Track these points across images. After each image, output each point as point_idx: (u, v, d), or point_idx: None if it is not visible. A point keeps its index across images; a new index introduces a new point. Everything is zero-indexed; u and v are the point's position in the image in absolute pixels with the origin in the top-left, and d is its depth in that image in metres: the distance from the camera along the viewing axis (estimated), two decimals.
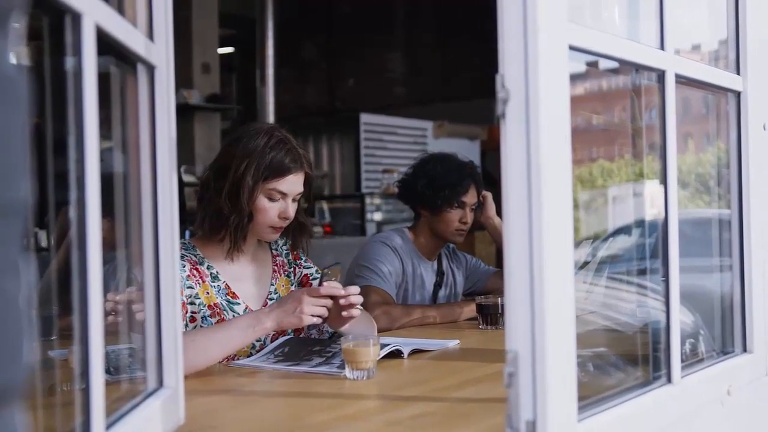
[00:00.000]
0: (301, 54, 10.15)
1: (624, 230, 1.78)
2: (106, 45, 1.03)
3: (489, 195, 2.96)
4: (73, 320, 0.94)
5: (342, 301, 1.94)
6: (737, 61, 1.70)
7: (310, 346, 2.03)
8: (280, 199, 2.07)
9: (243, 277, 2.15)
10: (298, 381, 1.79)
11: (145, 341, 1.28)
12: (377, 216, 7.53)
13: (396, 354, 1.98)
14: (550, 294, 1.06)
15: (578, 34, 1.16)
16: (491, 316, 2.52)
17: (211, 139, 7.16)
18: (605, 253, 1.79)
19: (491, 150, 8.22)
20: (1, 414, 0.55)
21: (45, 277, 1.35)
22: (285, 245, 2.27)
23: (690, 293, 1.53)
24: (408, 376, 1.89)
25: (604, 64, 1.40)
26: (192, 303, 2.01)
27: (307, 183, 2.12)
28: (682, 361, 1.43)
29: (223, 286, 2.09)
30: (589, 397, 1.22)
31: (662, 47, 1.42)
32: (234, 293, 2.10)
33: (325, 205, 7.60)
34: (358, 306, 2.00)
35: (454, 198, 2.82)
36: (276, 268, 2.23)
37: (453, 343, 2.22)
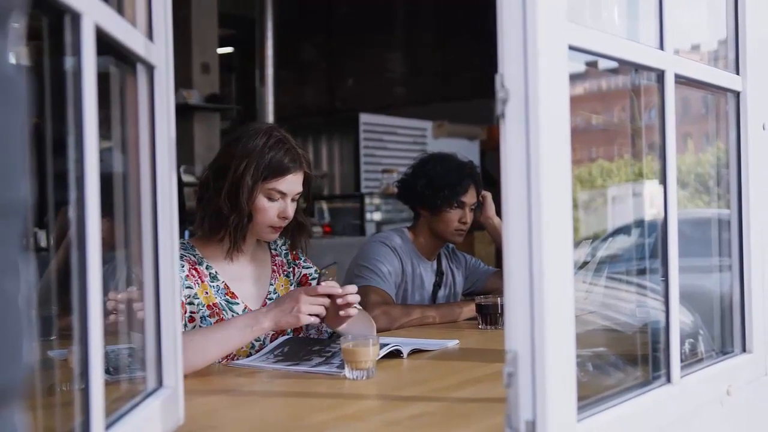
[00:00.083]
0: (301, 54, 10.15)
1: (623, 230, 1.78)
2: (106, 45, 1.03)
3: (488, 195, 2.96)
4: (72, 320, 0.94)
5: (339, 301, 1.94)
6: (737, 61, 1.70)
7: (309, 345, 2.03)
8: (280, 199, 2.07)
9: (242, 277, 2.15)
10: (297, 381, 1.79)
11: (144, 341, 1.29)
12: (377, 216, 7.52)
13: (395, 354, 1.98)
14: (549, 294, 1.06)
15: (578, 34, 1.17)
16: (491, 316, 2.52)
17: (210, 139, 7.16)
18: (605, 253, 1.79)
19: (491, 150, 8.22)
20: (0, 414, 0.55)
21: (44, 277, 1.35)
22: (284, 245, 2.27)
23: (689, 293, 1.53)
24: (407, 376, 1.89)
25: (604, 63, 1.41)
26: (191, 303, 2.01)
27: (306, 182, 2.12)
28: (682, 361, 1.43)
29: (222, 286, 2.09)
30: (589, 397, 1.22)
31: (662, 47, 1.42)
32: (233, 293, 2.10)
33: (324, 205, 7.59)
34: (357, 305, 2.00)
35: (453, 198, 2.82)
36: (275, 268, 2.23)
37: (452, 343, 2.22)
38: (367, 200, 7.53)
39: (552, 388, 1.06)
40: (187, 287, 2.01)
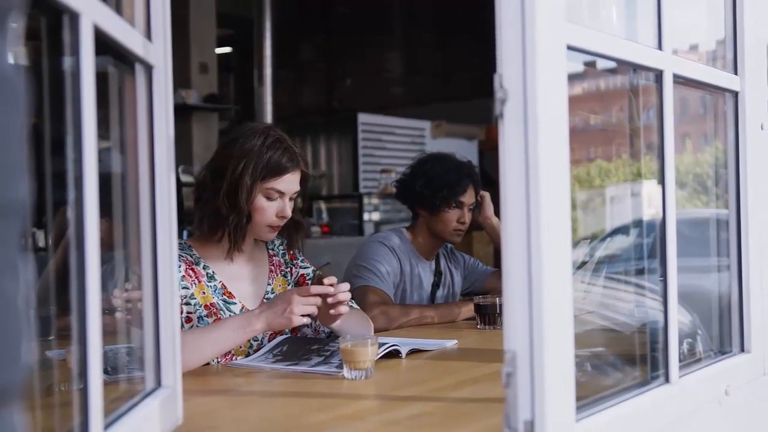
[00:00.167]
0: (299, 54, 10.15)
1: (622, 230, 1.78)
2: (104, 45, 1.03)
3: (487, 195, 2.96)
4: (71, 320, 0.93)
5: (330, 299, 1.95)
6: (735, 61, 1.70)
7: (308, 345, 2.03)
8: (278, 198, 2.08)
9: (240, 276, 2.15)
10: (296, 381, 1.79)
11: (143, 341, 1.28)
12: (375, 216, 7.52)
13: (394, 354, 1.98)
14: (548, 294, 1.06)
15: (576, 34, 1.17)
16: (489, 316, 2.52)
17: (208, 139, 7.15)
18: (603, 253, 1.79)
19: (489, 150, 8.21)
20: (0, 414, 0.55)
21: (43, 277, 1.35)
22: (281, 245, 2.28)
23: (688, 293, 1.53)
24: (406, 376, 1.89)
25: (602, 63, 1.41)
26: (187, 303, 2.01)
27: (303, 181, 2.13)
28: (680, 361, 1.43)
29: (219, 285, 2.09)
30: (587, 397, 1.22)
31: (660, 47, 1.42)
32: (230, 293, 2.10)
33: (323, 205, 7.59)
34: (354, 305, 2.00)
35: (452, 198, 2.82)
36: (273, 267, 2.23)
37: (451, 343, 2.22)
38: (366, 200, 7.53)
39: (550, 388, 1.06)
40: (183, 287, 2.01)
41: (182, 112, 6.76)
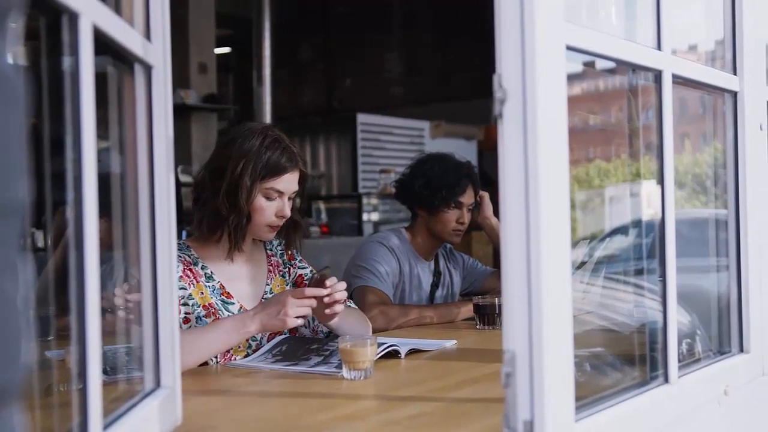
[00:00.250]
0: (298, 54, 10.15)
1: (621, 230, 1.78)
2: (103, 45, 1.03)
3: (486, 195, 2.96)
4: (70, 320, 0.93)
5: (326, 299, 1.95)
6: (734, 61, 1.70)
7: (307, 344, 2.03)
8: (277, 198, 2.08)
9: (238, 277, 2.15)
10: (295, 381, 1.79)
11: (142, 341, 1.28)
12: (374, 216, 7.52)
13: (393, 354, 1.99)
14: (547, 294, 1.06)
15: (575, 34, 1.17)
16: (488, 316, 2.52)
17: (207, 139, 7.15)
18: (602, 254, 1.79)
19: (488, 150, 8.21)
20: (0, 414, 0.55)
21: (42, 277, 1.35)
22: (279, 245, 2.28)
23: (687, 293, 1.53)
24: (405, 376, 1.89)
25: (601, 64, 1.41)
26: (185, 304, 2.01)
27: (301, 181, 2.13)
28: (679, 361, 1.43)
29: (217, 286, 2.09)
30: (587, 397, 1.22)
31: (659, 47, 1.42)
32: (228, 293, 2.10)
33: (322, 206, 7.59)
34: (351, 304, 2.00)
35: (451, 198, 2.82)
36: (271, 268, 2.23)
37: (450, 343, 2.22)
38: (365, 200, 7.53)
39: (550, 388, 1.06)
40: (180, 288, 2.01)
41: (181, 112, 6.75)
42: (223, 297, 2.09)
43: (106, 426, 1.02)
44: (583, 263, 1.77)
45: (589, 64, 1.36)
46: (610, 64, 1.43)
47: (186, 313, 2.01)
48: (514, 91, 1.07)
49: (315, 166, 8.58)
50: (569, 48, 1.14)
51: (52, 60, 0.95)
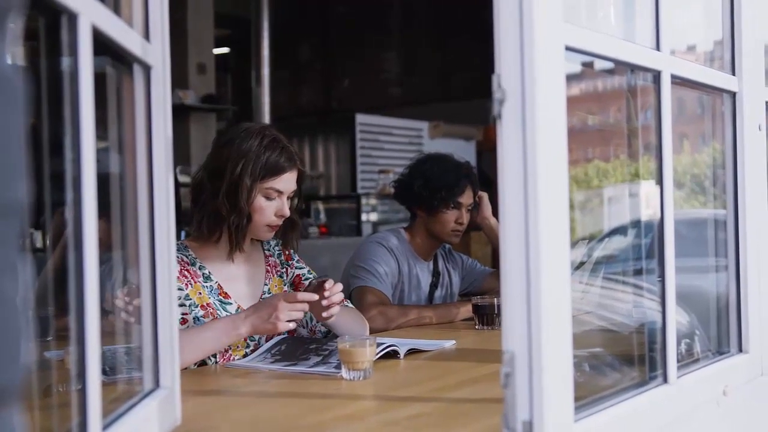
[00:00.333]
0: (297, 54, 10.15)
1: (620, 231, 1.78)
2: (103, 45, 1.03)
3: (485, 195, 2.96)
4: (69, 321, 0.93)
5: (324, 302, 1.96)
6: (732, 61, 1.70)
7: (306, 344, 2.03)
8: (277, 198, 2.09)
9: (236, 277, 2.15)
10: (294, 381, 1.79)
11: (141, 342, 1.28)
12: (373, 216, 7.53)
13: (392, 354, 1.99)
14: (546, 294, 1.06)
15: (574, 35, 1.17)
16: (487, 316, 2.52)
17: (206, 140, 7.14)
18: (601, 254, 1.79)
19: (487, 150, 8.22)
20: (0, 414, 0.55)
21: (41, 277, 1.35)
22: (277, 245, 2.28)
23: (686, 293, 1.53)
24: (404, 376, 1.89)
25: (600, 64, 1.41)
26: (182, 305, 2.01)
27: (299, 180, 2.14)
28: (678, 361, 1.44)
29: (215, 286, 2.10)
30: (586, 397, 1.22)
31: (658, 48, 1.42)
32: (226, 293, 2.11)
33: (320, 206, 7.60)
34: (349, 304, 2.01)
35: (450, 199, 2.82)
36: (269, 268, 2.24)
37: (449, 344, 2.22)
38: (364, 201, 7.54)
39: (549, 389, 1.06)
40: (177, 289, 2.01)
41: (180, 113, 6.76)
42: (220, 297, 2.09)
43: (106, 426, 1.02)
44: (582, 263, 1.77)
45: (587, 65, 1.36)
46: (609, 65, 1.43)
47: (183, 314, 2.01)
48: (513, 92, 1.07)
49: (314, 167, 8.59)
50: (568, 48, 1.14)
51: (52, 60, 0.95)
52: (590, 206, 1.65)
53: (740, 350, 1.69)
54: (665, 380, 1.41)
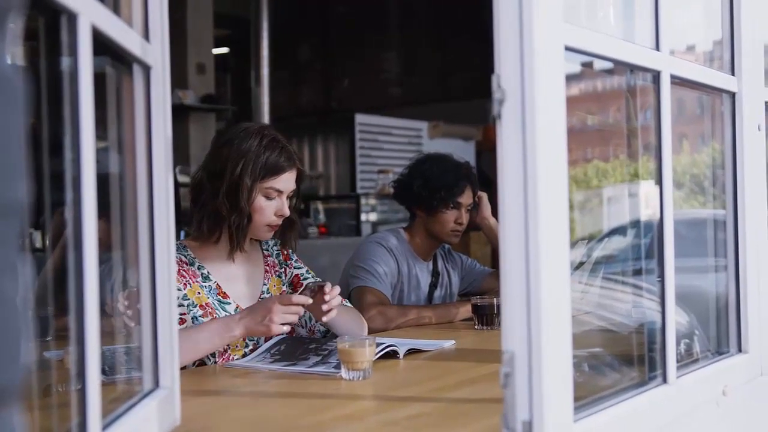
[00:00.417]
0: (297, 54, 10.14)
1: (619, 231, 1.78)
2: (102, 45, 1.03)
3: (484, 196, 2.96)
4: (68, 321, 0.93)
5: (324, 307, 1.98)
6: (732, 61, 1.70)
7: (306, 344, 2.03)
8: (276, 197, 2.09)
9: (235, 277, 2.16)
10: (293, 381, 1.79)
11: (141, 342, 1.28)
12: (372, 216, 7.53)
13: (392, 354, 1.99)
14: (546, 294, 1.06)
15: (574, 35, 1.17)
16: (487, 316, 2.52)
17: (206, 140, 7.15)
18: (600, 254, 1.79)
19: (486, 150, 8.23)
20: (0, 414, 0.55)
21: (41, 277, 1.35)
22: (275, 246, 2.29)
23: (685, 293, 1.53)
24: (404, 376, 1.89)
25: (599, 64, 1.41)
26: (180, 305, 2.01)
27: (298, 179, 2.15)
28: (678, 361, 1.44)
29: (214, 286, 2.10)
30: (585, 397, 1.22)
31: (657, 48, 1.42)
32: (224, 293, 2.11)
33: (320, 206, 7.60)
34: (347, 303, 2.04)
35: (449, 199, 2.82)
36: (267, 268, 2.24)
37: (449, 344, 2.22)
38: (363, 201, 7.54)
39: (549, 389, 1.06)
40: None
41: (179, 113, 6.76)
42: (219, 297, 2.09)
43: (105, 426, 1.02)
44: (581, 264, 1.77)
45: (587, 65, 1.36)
46: (609, 65, 1.43)
47: (180, 315, 2.01)
48: (512, 92, 1.07)
49: (313, 167, 8.59)
50: (568, 48, 1.14)
51: (52, 60, 0.95)
52: (590, 206, 1.65)
53: (740, 350, 1.69)
54: (665, 380, 1.41)
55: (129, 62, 1.22)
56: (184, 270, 2.06)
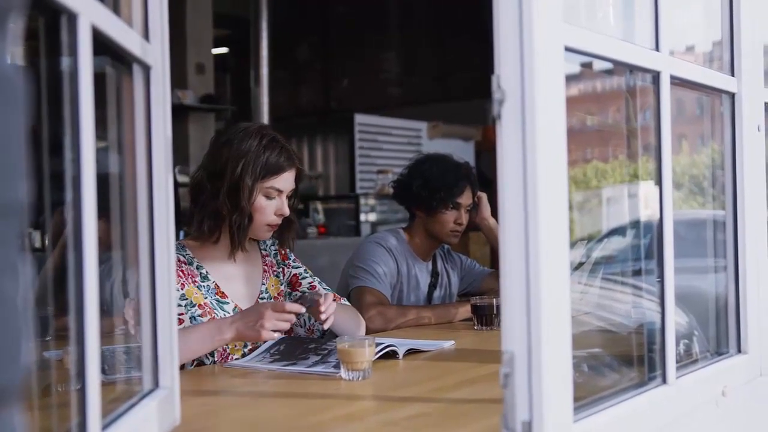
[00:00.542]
0: (296, 54, 10.14)
1: (618, 231, 1.78)
2: (102, 45, 1.03)
3: (484, 196, 2.96)
4: (68, 320, 0.93)
5: (321, 317, 1.99)
6: (732, 62, 1.70)
7: (305, 344, 2.03)
8: (276, 197, 2.10)
9: (234, 277, 2.16)
10: (293, 381, 1.79)
11: (141, 342, 1.28)
12: (372, 217, 7.53)
13: (391, 355, 1.99)
14: (546, 294, 1.06)
15: (574, 35, 1.17)
16: (486, 316, 2.52)
17: (205, 140, 7.11)
18: (600, 254, 1.80)
19: (486, 151, 8.22)
20: (0, 414, 0.55)
21: (41, 277, 1.35)
22: (273, 245, 2.29)
23: (684, 294, 1.53)
24: (403, 376, 1.89)
25: (599, 64, 1.41)
26: (178, 305, 2.01)
27: (297, 179, 2.15)
28: (677, 362, 1.44)
29: (212, 285, 2.10)
30: (585, 397, 1.22)
31: (657, 48, 1.42)
32: (223, 293, 2.11)
33: (319, 206, 7.59)
34: (345, 302, 2.11)
35: (449, 199, 2.82)
36: (266, 267, 2.25)
37: (448, 344, 2.22)
38: (362, 201, 7.54)
39: (548, 389, 1.06)
40: None
41: (179, 113, 6.76)
42: (217, 297, 2.10)
43: (105, 426, 1.02)
44: (581, 264, 1.77)
45: (586, 65, 1.36)
46: (608, 65, 1.43)
47: (178, 314, 2.01)
48: (512, 92, 1.07)
49: (312, 167, 8.59)
50: (568, 49, 1.14)
51: (51, 60, 0.95)
52: (589, 207, 1.65)
53: (739, 351, 1.69)
54: (664, 381, 1.41)
55: (129, 62, 1.22)
56: (182, 270, 2.06)
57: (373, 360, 1.79)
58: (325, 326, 2.04)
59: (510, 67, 1.07)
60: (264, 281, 2.21)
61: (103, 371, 1.18)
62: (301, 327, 2.23)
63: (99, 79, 1.00)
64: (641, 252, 1.61)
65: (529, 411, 1.06)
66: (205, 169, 2.11)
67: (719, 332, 1.73)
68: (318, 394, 1.66)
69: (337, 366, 1.79)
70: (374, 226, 7.37)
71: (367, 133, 8.39)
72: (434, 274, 2.97)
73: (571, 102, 1.17)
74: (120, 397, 1.21)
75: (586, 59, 1.29)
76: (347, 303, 2.36)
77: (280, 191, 2.10)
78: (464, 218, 2.86)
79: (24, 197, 0.60)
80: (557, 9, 1.11)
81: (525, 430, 1.06)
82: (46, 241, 1.67)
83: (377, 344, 1.88)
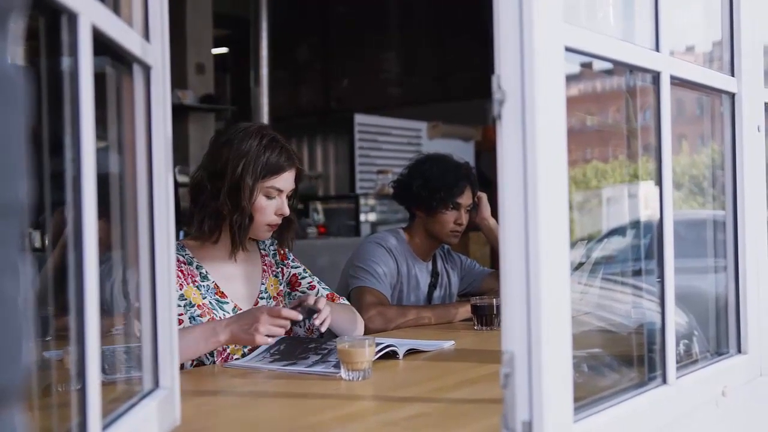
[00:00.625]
0: (296, 54, 10.14)
1: (618, 231, 1.78)
2: (102, 45, 1.03)
3: (484, 196, 2.96)
4: (68, 320, 0.93)
5: (316, 323, 1.99)
6: (732, 62, 1.70)
7: (305, 344, 2.03)
8: (277, 197, 2.10)
9: (233, 277, 2.16)
10: (293, 381, 1.79)
11: (141, 342, 1.28)
12: (372, 217, 7.52)
13: (391, 355, 1.99)
14: (546, 295, 1.06)
15: (574, 35, 1.17)
16: (486, 316, 2.52)
17: (205, 140, 7.10)
18: (600, 254, 1.80)
19: (486, 151, 8.22)
20: (0, 415, 0.55)
21: (41, 277, 1.35)
22: (272, 245, 2.29)
23: (684, 294, 1.53)
24: (403, 376, 1.89)
25: (599, 64, 1.41)
26: (177, 305, 2.01)
27: (297, 179, 2.15)
28: (677, 362, 1.44)
29: (212, 285, 2.10)
30: (585, 398, 1.22)
31: (657, 49, 1.42)
32: (222, 293, 2.11)
33: (319, 206, 7.59)
34: (344, 301, 2.16)
35: (449, 199, 2.82)
36: (265, 267, 2.25)
37: (448, 344, 2.22)
38: (362, 201, 7.53)
39: (548, 389, 1.06)
40: None
41: (179, 113, 6.75)
42: (217, 297, 2.10)
43: (105, 426, 1.02)
44: (581, 264, 1.77)
45: (587, 65, 1.36)
46: (609, 65, 1.43)
47: (178, 315, 2.01)
48: (512, 92, 1.07)
49: (312, 167, 8.59)
50: (568, 49, 1.14)
51: (52, 60, 0.95)
52: (589, 207, 1.65)
53: (739, 351, 1.69)
54: (664, 381, 1.41)
55: (129, 62, 1.22)
56: (181, 270, 2.06)
57: (373, 360, 1.79)
58: (323, 329, 2.04)
59: (510, 67, 1.07)
60: (263, 281, 2.22)
61: (104, 371, 1.18)
62: (301, 327, 2.23)
63: (99, 79, 1.00)
64: (641, 252, 1.61)
65: (529, 411, 1.06)
66: (205, 169, 2.12)
67: (719, 332, 1.73)
68: (318, 394, 1.66)
69: (337, 366, 1.79)
70: (374, 226, 7.37)
71: (367, 133, 8.39)
72: (434, 274, 2.97)
73: (571, 102, 1.17)
74: (120, 397, 1.21)
75: (586, 59, 1.29)
76: (345, 302, 2.36)
77: (280, 191, 2.10)
78: (464, 218, 2.86)
79: (24, 197, 0.60)
80: (557, 9, 1.11)
81: (525, 430, 1.06)
82: (46, 241, 1.67)
83: (377, 344, 1.88)
